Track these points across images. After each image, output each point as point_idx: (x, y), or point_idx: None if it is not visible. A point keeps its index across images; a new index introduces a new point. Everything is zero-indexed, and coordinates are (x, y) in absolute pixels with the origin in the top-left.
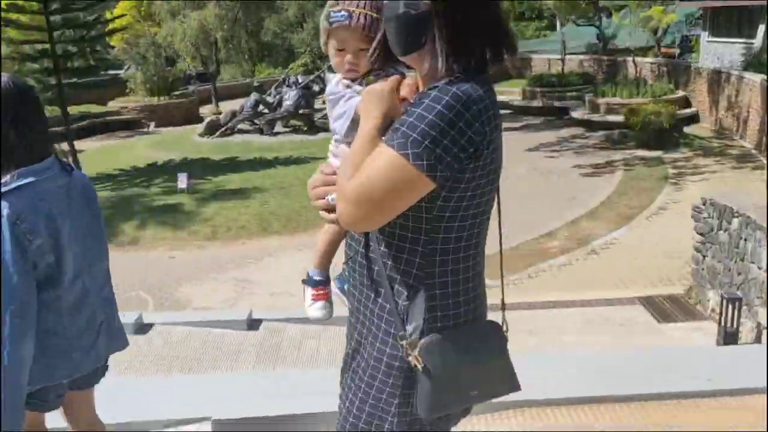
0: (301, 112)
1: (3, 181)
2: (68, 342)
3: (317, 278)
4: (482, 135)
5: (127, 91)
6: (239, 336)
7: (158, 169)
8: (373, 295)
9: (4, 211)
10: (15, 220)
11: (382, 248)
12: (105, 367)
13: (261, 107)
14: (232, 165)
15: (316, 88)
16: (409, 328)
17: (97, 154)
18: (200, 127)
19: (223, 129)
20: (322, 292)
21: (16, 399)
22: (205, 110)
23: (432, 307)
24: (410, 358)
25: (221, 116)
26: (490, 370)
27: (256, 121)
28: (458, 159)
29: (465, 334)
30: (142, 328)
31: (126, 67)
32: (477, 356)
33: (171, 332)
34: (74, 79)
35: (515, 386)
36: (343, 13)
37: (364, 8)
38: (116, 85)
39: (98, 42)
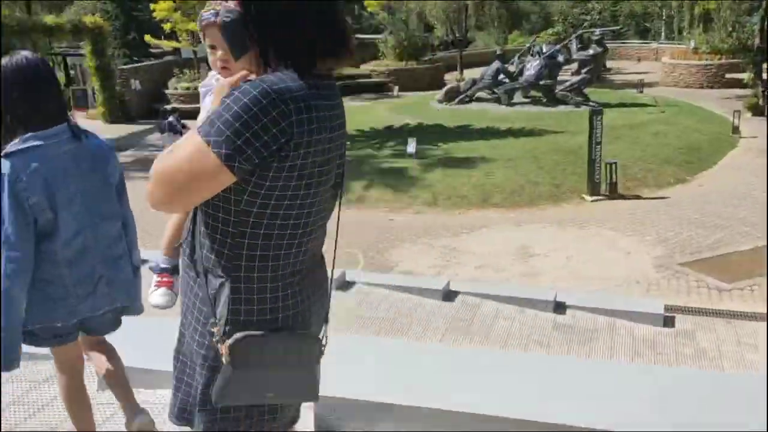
0: (541, 83)
1: (12, 143)
2: (65, 290)
3: (163, 265)
4: (288, 135)
5: (379, 55)
6: (434, 306)
7: (393, 133)
8: (191, 282)
9: (6, 170)
10: (15, 178)
11: (200, 237)
12: (117, 320)
13: (501, 76)
14: (464, 133)
15: (560, 58)
16: (217, 315)
17: None
18: (439, 94)
19: (461, 96)
20: (165, 279)
21: (8, 336)
22: (450, 77)
23: (236, 300)
24: (219, 346)
25: (461, 84)
26: (293, 378)
27: (494, 90)
28: (259, 154)
29: (277, 338)
30: (345, 285)
31: (387, 31)
32: (283, 362)
33: (370, 293)
34: None
35: (314, 396)
36: (211, 11)
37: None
38: (370, 49)
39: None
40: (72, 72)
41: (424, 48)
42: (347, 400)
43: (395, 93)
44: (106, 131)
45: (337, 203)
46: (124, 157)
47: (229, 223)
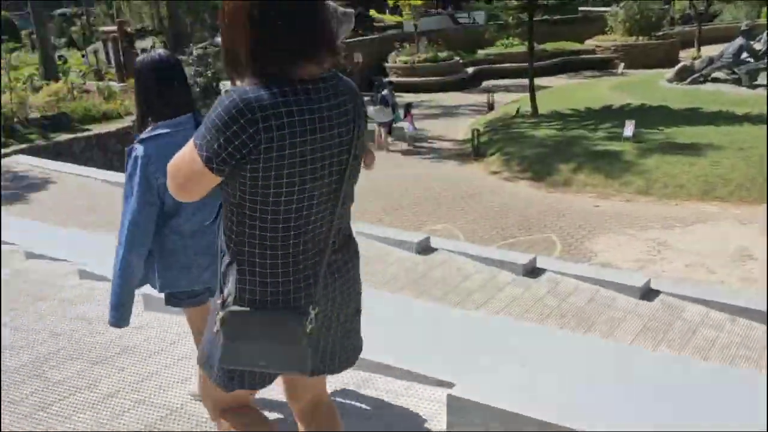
0: None
1: (145, 131)
2: (188, 260)
3: None
4: (256, 142)
5: (606, 29)
6: (629, 303)
7: (611, 113)
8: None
9: (139, 153)
10: (146, 161)
11: (222, 220)
12: None
13: (744, 54)
14: (692, 116)
15: None
16: (225, 291)
17: (558, 92)
18: (669, 72)
19: (695, 76)
20: None
21: (120, 296)
22: (685, 54)
23: (241, 280)
24: (219, 316)
25: (696, 62)
26: (281, 351)
27: (735, 69)
28: (232, 157)
29: (267, 315)
30: (534, 271)
31: (618, 3)
32: (269, 336)
33: (560, 282)
34: (546, 17)
35: (305, 370)
36: None
37: None
38: (596, 23)
39: None
40: None
41: (658, 22)
42: (485, 407)
43: (619, 71)
44: None
45: (340, 196)
46: None
47: (233, 213)
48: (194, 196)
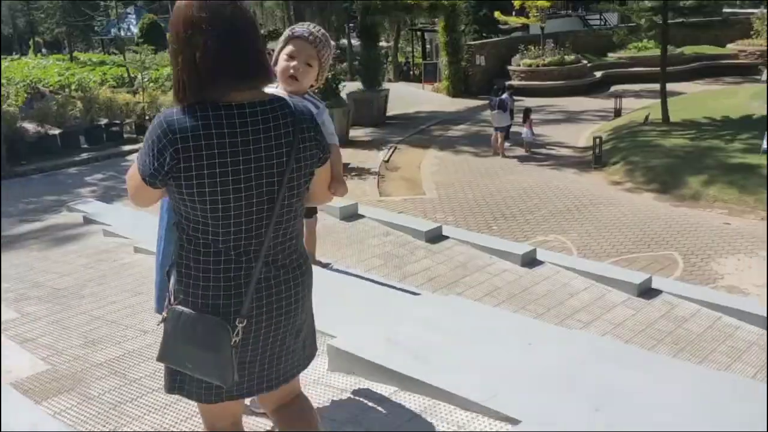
0: None
1: None
2: None
3: None
4: (175, 160)
5: (752, 33)
6: (754, 334)
7: (750, 123)
8: None
9: None
10: None
11: None
12: None
13: None
14: None
15: None
16: (169, 291)
17: (693, 99)
18: None
19: None
20: None
21: (163, 285)
22: None
23: (178, 281)
24: (163, 314)
25: None
26: (203, 356)
27: None
28: (158, 172)
29: (200, 319)
30: (649, 292)
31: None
32: (192, 339)
33: (677, 306)
34: (682, 20)
35: (225, 380)
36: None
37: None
38: (740, 26)
39: None
40: (428, 47)
41: None
42: None
43: (764, 78)
44: (449, 105)
45: (273, 216)
46: (455, 131)
47: (176, 221)
48: (143, 203)
